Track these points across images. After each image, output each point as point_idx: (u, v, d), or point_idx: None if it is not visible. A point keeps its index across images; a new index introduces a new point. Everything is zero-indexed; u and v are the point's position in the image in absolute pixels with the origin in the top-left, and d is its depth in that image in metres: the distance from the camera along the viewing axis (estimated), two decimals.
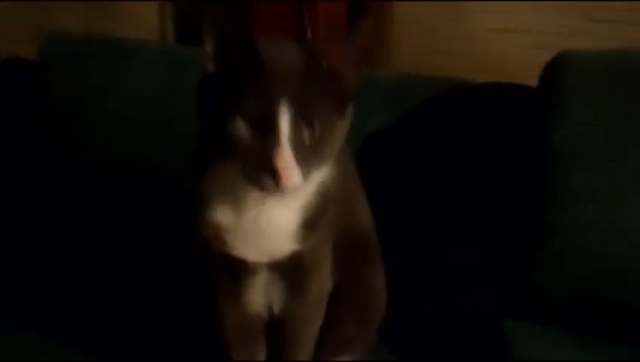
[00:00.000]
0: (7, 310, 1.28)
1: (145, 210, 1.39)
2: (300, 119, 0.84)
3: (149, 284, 1.32)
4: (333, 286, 1.06)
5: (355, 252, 1.07)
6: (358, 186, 1.09)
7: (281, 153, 0.83)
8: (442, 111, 1.35)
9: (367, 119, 1.33)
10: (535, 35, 1.85)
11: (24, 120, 1.48)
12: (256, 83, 0.84)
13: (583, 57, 1.25)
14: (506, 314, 1.27)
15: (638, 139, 1.17)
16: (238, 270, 0.97)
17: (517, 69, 1.50)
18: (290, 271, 0.98)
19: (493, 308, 1.27)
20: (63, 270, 1.39)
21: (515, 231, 1.26)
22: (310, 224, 0.95)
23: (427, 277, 1.30)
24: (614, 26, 1.78)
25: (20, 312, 1.29)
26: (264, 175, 0.84)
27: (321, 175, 0.93)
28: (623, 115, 1.18)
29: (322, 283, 1.04)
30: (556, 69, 1.25)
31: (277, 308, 1.03)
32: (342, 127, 0.90)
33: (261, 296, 1.01)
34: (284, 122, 0.83)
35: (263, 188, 0.85)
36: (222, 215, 0.94)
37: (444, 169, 1.32)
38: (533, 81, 1.30)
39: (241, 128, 0.84)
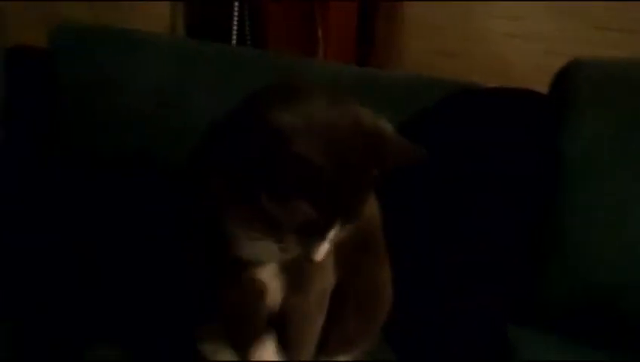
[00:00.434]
0: (7, 310, 1.28)
1: (152, 205, 1.39)
2: (344, 227, 0.88)
3: (154, 284, 1.31)
4: (337, 282, 1.05)
5: (360, 246, 1.05)
6: None
7: (320, 249, 0.87)
8: (451, 114, 1.34)
9: None
10: (545, 40, 1.84)
11: (32, 109, 1.48)
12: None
13: (594, 65, 1.25)
14: (511, 319, 1.26)
15: None
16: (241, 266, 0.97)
17: (526, 74, 1.50)
18: (291, 266, 0.97)
19: (499, 311, 1.27)
20: (73, 265, 1.38)
21: (522, 236, 1.26)
22: None
23: (433, 280, 1.29)
24: (624, 35, 1.77)
25: (19, 312, 1.28)
26: (298, 248, 0.88)
27: None
28: (635, 123, 1.18)
29: (324, 279, 1.03)
30: (568, 77, 1.25)
31: (277, 304, 1.02)
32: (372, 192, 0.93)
33: (263, 288, 1.00)
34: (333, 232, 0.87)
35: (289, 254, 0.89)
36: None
37: (451, 172, 1.31)
38: (541, 87, 1.30)
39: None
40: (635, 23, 1.79)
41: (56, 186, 1.44)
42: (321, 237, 0.87)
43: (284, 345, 1.05)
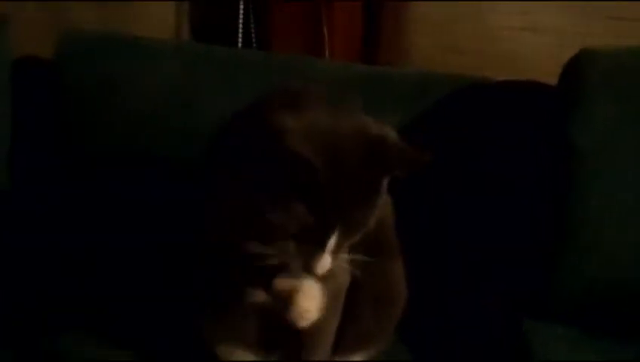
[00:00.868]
0: (8, 310, 1.28)
1: (160, 209, 1.39)
2: (345, 237, 0.88)
3: (159, 285, 1.30)
4: (351, 282, 1.04)
5: (374, 246, 1.04)
6: None
7: (321, 262, 0.87)
8: (460, 109, 1.34)
9: (384, 117, 1.31)
10: (554, 33, 1.83)
11: (39, 119, 1.48)
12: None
13: (604, 55, 1.24)
14: (527, 314, 1.25)
15: None
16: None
17: (536, 67, 1.48)
18: None
19: (513, 307, 1.26)
20: (79, 266, 1.38)
21: (536, 231, 1.25)
22: None
23: (447, 277, 1.29)
24: (635, 24, 1.75)
25: (20, 312, 1.28)
26: (298, 262, 0.88)
27: None
28: None
29: (339, 276, 1.02)
30: (578, 67, 1.23)
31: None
32: (379, 201, 0.91)
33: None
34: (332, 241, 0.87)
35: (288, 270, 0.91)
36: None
37: (462, 167, 1.31)
38: (551, 79, 1.29)
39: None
40: None
41: (62, 193, 1.45)
42: (321, 246, 0.87)
43: (300, 346, 1.04)
